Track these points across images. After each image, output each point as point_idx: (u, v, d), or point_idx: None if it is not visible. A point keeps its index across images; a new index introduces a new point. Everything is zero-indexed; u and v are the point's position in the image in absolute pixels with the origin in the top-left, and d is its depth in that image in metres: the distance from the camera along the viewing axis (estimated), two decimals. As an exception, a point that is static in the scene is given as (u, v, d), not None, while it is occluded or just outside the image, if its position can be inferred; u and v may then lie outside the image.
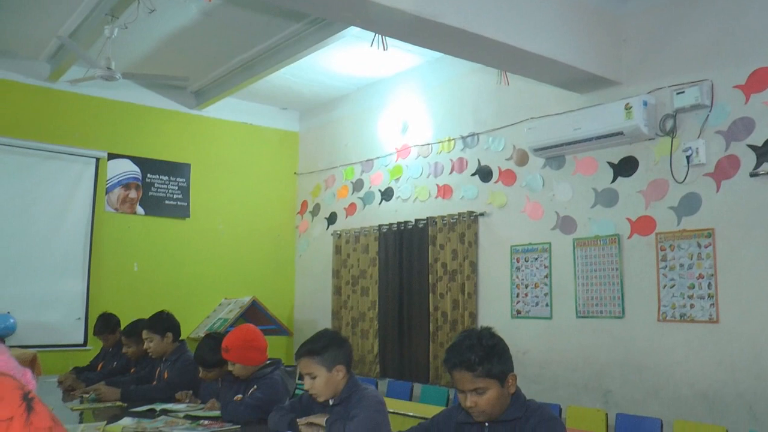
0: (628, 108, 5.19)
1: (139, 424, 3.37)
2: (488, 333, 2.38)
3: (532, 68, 5.39)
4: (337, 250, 8.24)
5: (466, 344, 2.33)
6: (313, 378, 3.00)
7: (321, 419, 2.94)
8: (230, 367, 3.77)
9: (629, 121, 5.18)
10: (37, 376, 5.82)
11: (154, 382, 4.60)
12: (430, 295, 6.91)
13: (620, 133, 5.26)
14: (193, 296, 8.06)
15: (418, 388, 6.79)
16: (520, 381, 2.42)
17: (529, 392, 2.47)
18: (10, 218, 7.11)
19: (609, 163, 5.57)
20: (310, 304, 8.68)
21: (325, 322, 8.16)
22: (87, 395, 4.37)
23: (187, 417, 3.59)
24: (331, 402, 3.04)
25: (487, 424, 2.37)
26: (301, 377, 6.07)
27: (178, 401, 4.11)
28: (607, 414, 5.16)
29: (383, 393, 6.68)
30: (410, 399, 6.59)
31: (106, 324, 5.81)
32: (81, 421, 3.65)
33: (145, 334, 4.69)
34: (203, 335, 4.38)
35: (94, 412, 3.91)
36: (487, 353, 2.29)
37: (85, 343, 7.35)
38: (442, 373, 6.60)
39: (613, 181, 5.55)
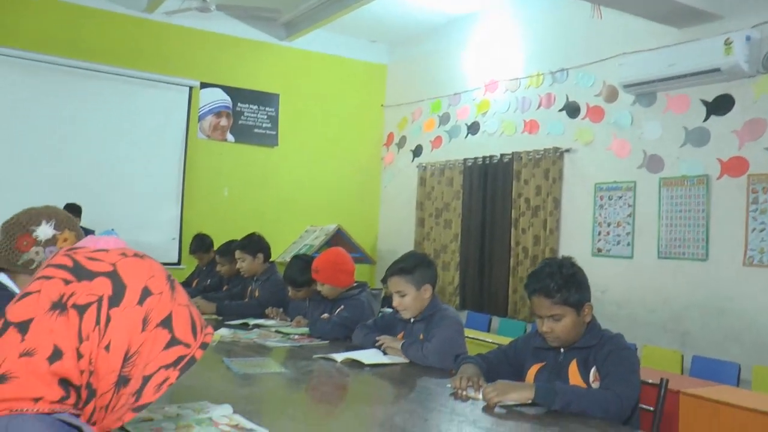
0: (728, 43, 5.00)
1: (234, 334, 3.64)
2: (569, 262, 2.46)
3: (626, 1, 5.25)
4: (422, 182, 8.36)
5: (546, 271, 2.41)
6: (403, 296, 3.15)
7: (396, 343, 3.11)
8: (319, 288, 3.96)
9: (728, 57, 5.00)
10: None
11: (246, 300, 4.89)
12: (512, 229, 6.97)
13: (717, 70, 5.10)
14: (280, 222, 8.36)
15: (496, 320, 6.94)
16: (597, 319, 2.49)
17: (605, 331, 2.53)
18: (113, 143, 7.53)
19: (702, 101, 5.42)
20: (394, 235, 8.87)
21: (407, 253, 8.32)
22: (185, 308, 4.69)
23: (277, 332, 3.84)
24: (411, 319, 3.20)
25: (562, 350, 2.47)
26: (384, 303, 6.32)
27: (268, 317, 4.38)
28: (683, 355, 5.18)
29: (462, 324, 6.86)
30: (488, 331, 6.76)
31: (201, 244, 6.16)
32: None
33: (237, 254, 4.95)
34: (291, 257, 4.59)
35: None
36: (565, 281, 2.37)
37: (179, 262, 7.80)
38: (521, 307, 6.71)
39: (705, 119, 5.40)
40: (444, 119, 8.20)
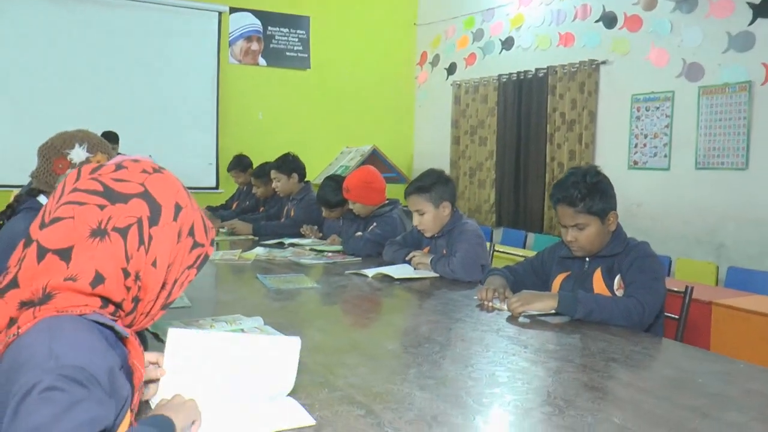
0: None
1: (270, 253, 3.73)
2: (593, 171, 2.44)
3: None
4: (456, 100, 8.27)
5: (570, 180, 2.40)
6: (422, 214, 3.19)
7: (426, 258, 3.15)
8: (351, 206, 4.03)
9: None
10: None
11: (282, 220, 4.98)
12: (548, 145, 6.90)
13: (765, -32, 4.87)
14: (315, 144, 8.39)
15: (531, 237, 6.96)
16: (630, 233, 2.48)
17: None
18: (146, 72, 7.57)
19: (748, 3, 5.20)
20: (429, 154, 8.85)
21: (443, 172, 8.34)
22: (223, 229, 4.82)
23: (312, 250, 3.92)
24: (436, 234, 3.25)
25: (587, 259, 2.49)
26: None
27: (304, 235, 4.46)
28: (717, 267, 5.15)
29: (497, 241, 6.91)
30: (524, 247, 6.79)
31: (238, 162, 6.26)
32: (218, 249, 4.06)
33: (272, 174, 5.01)
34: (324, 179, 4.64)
35: (231, 244, 4.31)
36: (589, 190, 2.36)
37: (216, 186, 7.94)
38: (556, 223, 6.70)
39: (751, 22, 5.19)
40: (478, 35, 8.03)
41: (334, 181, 4.29)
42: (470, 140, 8.04)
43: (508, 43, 7.57)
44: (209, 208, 5.93)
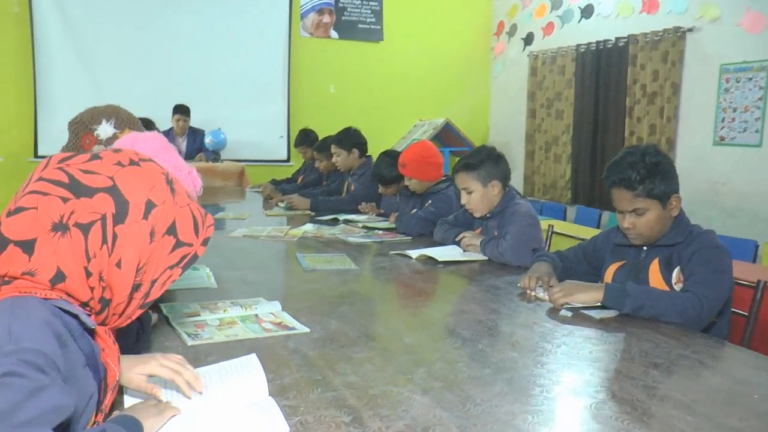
0: None
1: (318, 229, 3.63)
2: (653, 150, 2.18)
3: None
4: (533, 71, 7.95)
5: (627, 161, 2.16)
6: (470, 193, 3.01)
7: (476, 240, 2.97)
8: (406, 182, 3.87)
9: None
10: (245, 187, 6.41)
11: (343, 195, 4.88)
12: (627, 119, 6.52)
13: None
14: (389, 117, 8.26)
15: (606, 215, 6.61)
16: (714, 213, 2.24)
17: (723, 226, 2.28)
18: (217, 45, 7.61)
19: None
20: (504, 127, 8.57)
21: (519, 146, 8.08)
22: (282, 203, 4.77)
23: (364, 227, 3.80)
24: (488, 214, 3.06)
25: (645, 247, 2.25)
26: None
27: (362, 211, 4.34)
28: (814, 253, 4.72)
29: (571, 219, 6.60)
30: (597, 227, 6.44)
31: (305, 137, 6.21)
32: (287, 223, 4.00)
33: (333, 148, 4.92)
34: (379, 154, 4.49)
35: (289, 219, 4.24)
36: (649, 171, 2.11)
37: (288, 159, 7.92)
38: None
39: None
40: (556, 3, 7.66)
41: (390, 157, 4.13)
42: (546, 113, 7.71)
43: (587, 11, 7.18)
44: (273, 182, 5.90)
